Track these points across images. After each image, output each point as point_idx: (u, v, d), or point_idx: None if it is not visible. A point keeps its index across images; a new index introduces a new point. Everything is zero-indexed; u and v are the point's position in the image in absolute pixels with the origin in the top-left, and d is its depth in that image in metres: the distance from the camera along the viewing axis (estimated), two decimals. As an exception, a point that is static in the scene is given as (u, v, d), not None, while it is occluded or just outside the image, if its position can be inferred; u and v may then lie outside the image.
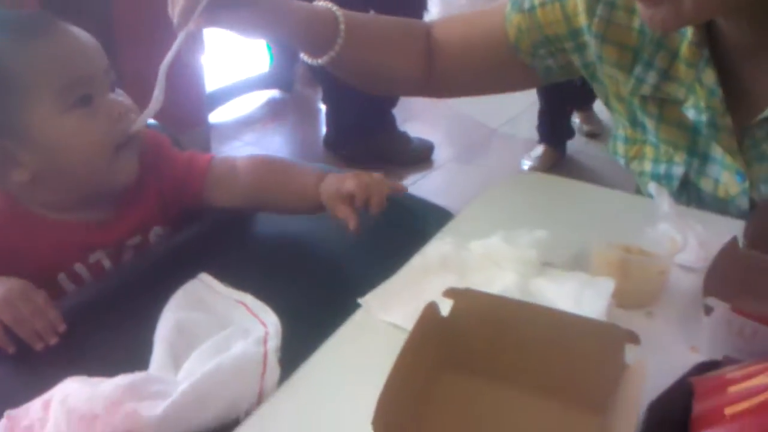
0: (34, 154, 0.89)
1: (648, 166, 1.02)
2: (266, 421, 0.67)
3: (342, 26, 1.00)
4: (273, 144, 3.08)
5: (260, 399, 0.70)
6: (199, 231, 0.98)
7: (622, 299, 0.78)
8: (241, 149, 2.96)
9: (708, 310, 0.70)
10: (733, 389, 0.59)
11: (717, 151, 0.96)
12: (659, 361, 0.66)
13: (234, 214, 1.01)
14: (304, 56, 1.04)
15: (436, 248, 0.86)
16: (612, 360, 0.64)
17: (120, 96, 0.95)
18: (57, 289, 0.93)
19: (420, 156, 2.83)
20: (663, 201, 0.90)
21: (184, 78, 2.51)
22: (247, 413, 0.68)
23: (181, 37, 0.88)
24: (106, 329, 0.83)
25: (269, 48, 3.41)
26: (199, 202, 1.03)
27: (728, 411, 0.58)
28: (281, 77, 3.40)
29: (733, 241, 0.78)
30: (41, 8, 2.07)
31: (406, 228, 0.99)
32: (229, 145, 2.97)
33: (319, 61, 1.02)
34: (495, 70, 1.10)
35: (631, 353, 0.65)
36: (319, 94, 3.16)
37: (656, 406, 0.64)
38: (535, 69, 1.08)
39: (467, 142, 2.99)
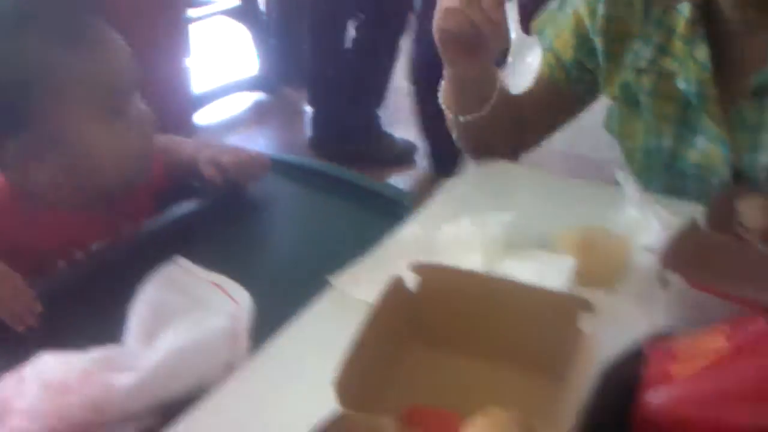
0: (59, 156, 0.91)
1: (640, 141, 1.07)
2: (234, 392, 0.70)
3: (494, 95, 1.04)
4: (258, 145, 3.09)
5: (230, 372, 0.72)
6: (175, 216, 1.00)
7: (584, 279, 0.81)
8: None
9: (664, 284, 0.72)
10: (681, 353, 0.62)
11: (705, 123, 1.01)
12: (619, 335, 0.69)
13: (207, 200, 1.03)
14: (446, 106, 1.07)
15: (407, 231, 0.88)
16: (568, 328, 0.66)
17: (143, 104, 0.98)
18: None
19: (404, 157, 2.85)
20: (629, 187, 0.93)
21: (171, 79, 2.52)
22: (217, 384, 0.70)
23: None
24: (84, 310, 0.84)
25: (257, 51, 3.43)
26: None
27: (675, 372, 0.60)
28: (267, 80, 3.42)
29: (693, 220, 0.81)
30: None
31: (379, 212, 1.01)
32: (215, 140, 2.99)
33: (462, 118, 1.06)
34: (555, 108, 1.16)
35: (592, 327, 0.67)
36: (304, 97, 3.18)
37: (609, 372, 0.67)
38: (578, 93, 1.14)
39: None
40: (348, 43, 2.77)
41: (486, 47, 0.95)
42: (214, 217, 1.02)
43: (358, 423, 0.57)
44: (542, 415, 0.56)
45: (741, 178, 1.01)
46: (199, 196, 1.04)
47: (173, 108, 2.71)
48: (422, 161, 2.86)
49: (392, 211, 0.99)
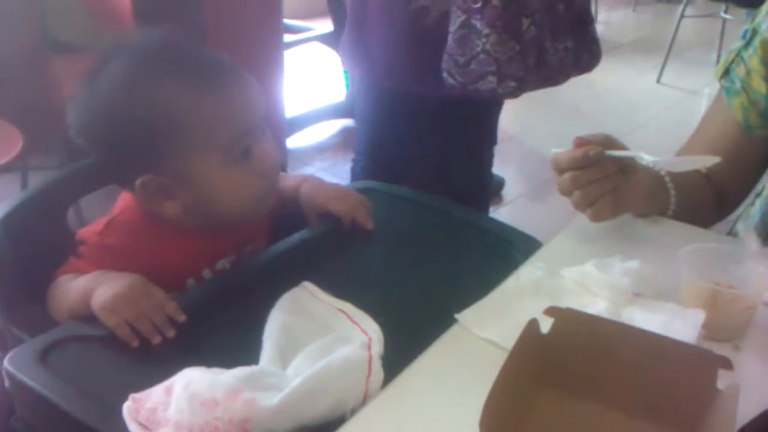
0: (189, 193, 0.96)
1: None
2: (370, 421, 0.72)
3: (673, 192, 1.07)
4: (344, 171, 3.13)
5: (365, 400, 0.75)
6: (303, 241, 1.04)
7: (709, 332, 0.81)
8: (315, 175, 3.04)
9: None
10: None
11: None
12: (746, 391, 0.69)
13: (333, 226, 1.07)
14: None
15: (530, 273, 0.90)
16: (705, 384, 0.67)
17: (268, 140, 1.00)
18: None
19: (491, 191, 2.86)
20: (751, 241, 0.93)
21: (268, 103, 2.59)
22: (353, 412, 0.73)
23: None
24: (218, 327, 0.89)
25: (346, 78, 3.50)
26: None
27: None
28: (356, 107, 3.48)
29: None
30: (133, 15, 2.16)
31: (496, 253, 1.03)
32: (303, 170, 3.06)
33: None
34: (746, 162, 1.15)
35: (731, 385, 0.68)
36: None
37: (746, 432, 0.67)
38: None
39: (538, 179, 3.02)
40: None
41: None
42: (333, 244, 1.05)
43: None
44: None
45: None
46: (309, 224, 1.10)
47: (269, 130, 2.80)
48: (509, 195, 2.88)
49: (509, 251, 1.02)
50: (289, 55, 2.80)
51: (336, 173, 3.09)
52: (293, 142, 3.20)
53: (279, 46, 2.67)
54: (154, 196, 0.96)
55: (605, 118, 3.50)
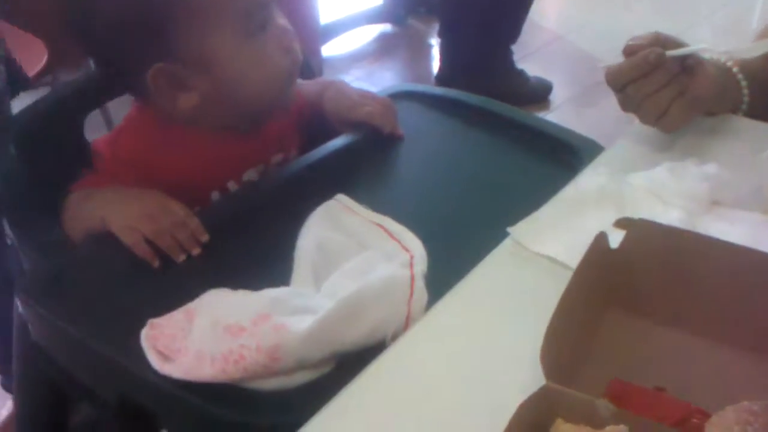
0: (205, 80, 0.87)
1: None
2: (413, 347, 0.64)
3: (744, 84, 0.95)
4: (383, 79, 3.03)
5: (407, 324, 0.67)
6: (335, 150, 0.95)
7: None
8: (351, 83, 2.92)
9: None
10: None
11: None
12: None
13: (373, 135, 0.98)
14: None
15: (591, 180, 0.80)
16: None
17: (280, 18, 0.91)
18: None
19: (537, 95, 2.72)
20: None
21: (300, 10, 2.48)
22: (394, 337, 0.66)
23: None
24: (245, 244, 0.81)
25: (383, -19, 3.35)
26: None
27: None
28: (394, 11, 3.34)
29: None
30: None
31: (554, 158, 0.93)
32: (339, 79, 2.95)
33: None
34: None
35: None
36: (432, 29, 3.09)
37: None
38: None
39: (587, 83, 2.85)
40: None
41: None
42: (369, 152, 0.96)
43: (565, 399, 0.51)
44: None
45: None
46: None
47: (302, 37, 2.68)
48: (557, 99, 2.75)
49: (569, 156, 0.92)
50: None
51: (374, 82, 2.97)
52: (328, 49, 3.08)
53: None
54: (167, 89, 0.87)
55: (657, 17, 3.29)
